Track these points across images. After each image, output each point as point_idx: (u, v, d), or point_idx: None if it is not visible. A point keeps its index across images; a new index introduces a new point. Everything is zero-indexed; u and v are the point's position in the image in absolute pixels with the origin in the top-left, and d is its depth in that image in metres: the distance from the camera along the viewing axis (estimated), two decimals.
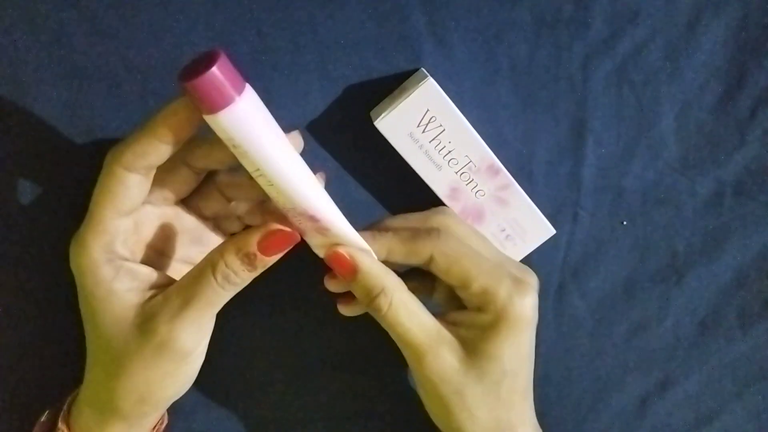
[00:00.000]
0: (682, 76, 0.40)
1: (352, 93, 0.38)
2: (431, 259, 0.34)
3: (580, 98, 0.40)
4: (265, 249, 0.30)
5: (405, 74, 0.38)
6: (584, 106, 0.40)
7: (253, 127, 0.27)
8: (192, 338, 0.30)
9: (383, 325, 0.34)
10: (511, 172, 0.39)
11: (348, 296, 0.36)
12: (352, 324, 0.38)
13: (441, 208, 0.38)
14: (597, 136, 0.41)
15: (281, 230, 0.30)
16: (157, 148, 0.29)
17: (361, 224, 0.35)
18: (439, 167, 0.38)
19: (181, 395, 0.34)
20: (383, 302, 0.33)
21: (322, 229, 0.32)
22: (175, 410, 0.38)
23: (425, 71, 0.37)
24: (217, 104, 0.26)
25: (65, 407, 0.35)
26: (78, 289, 0.32)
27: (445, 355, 0.33)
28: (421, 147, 0.37)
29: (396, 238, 0.34)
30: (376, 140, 0.37)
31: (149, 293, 0.31)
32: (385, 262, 0.34)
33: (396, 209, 0.40)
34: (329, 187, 0.32)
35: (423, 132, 0.37)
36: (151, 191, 0.32)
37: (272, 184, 0.29)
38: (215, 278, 0.30)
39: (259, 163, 0.28)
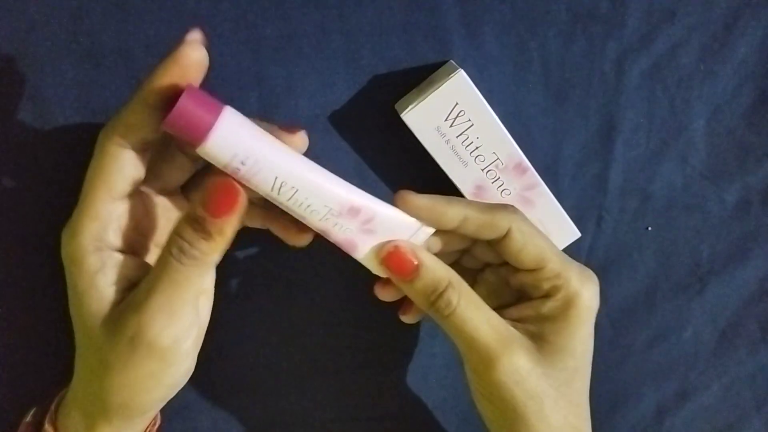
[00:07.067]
0: (716, 79, 0.39)
1: (377, 83, 0.37)
2: (507, 235, 0.32)
3: (611, 97, 0.39)
4: (210, 207, 0.26)
5: (433, 66, 0.37)
6: (615, 105, 0.39)
7: (252, 140, 0.27)
8: (166, 330, 0.28)
9: (448, 326, 0.31)
10: (537, 171, 0.37)
11: (408, 302, 0.35)
12: (357, 324, 0.37)
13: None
14: (626, 138, 0.40)
15: (222, 181, 0.26)
16: (150, 117, 0.27)
17: None
18: (465, 163, 0.37)
19: (168, 399, 0.32)
20: (452, 297, 0.30)
21: (368, 222, 0.30)
22: (174, 410, 0.37)
23: (455, 63, 0.36)
24: (200, 131, 0.26)
25: (53, 407, 0.32)
26: (66, 279, 0.30)
27: (520, 357, 0.31)
28: (447, 142, 0.36)
29: (473, 205, 0.32)
30: (400, 133, 0.36)
31: (132, 288, 0.29)
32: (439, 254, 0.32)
33: None
34: (350, 181, 0.30)
35: (450, 126, 0.36)
36: (147, 179, 0.30)
37: (296, 189, 0.28)
38: (172, 254, 0.27)
39: (274, 171, 0.27)
